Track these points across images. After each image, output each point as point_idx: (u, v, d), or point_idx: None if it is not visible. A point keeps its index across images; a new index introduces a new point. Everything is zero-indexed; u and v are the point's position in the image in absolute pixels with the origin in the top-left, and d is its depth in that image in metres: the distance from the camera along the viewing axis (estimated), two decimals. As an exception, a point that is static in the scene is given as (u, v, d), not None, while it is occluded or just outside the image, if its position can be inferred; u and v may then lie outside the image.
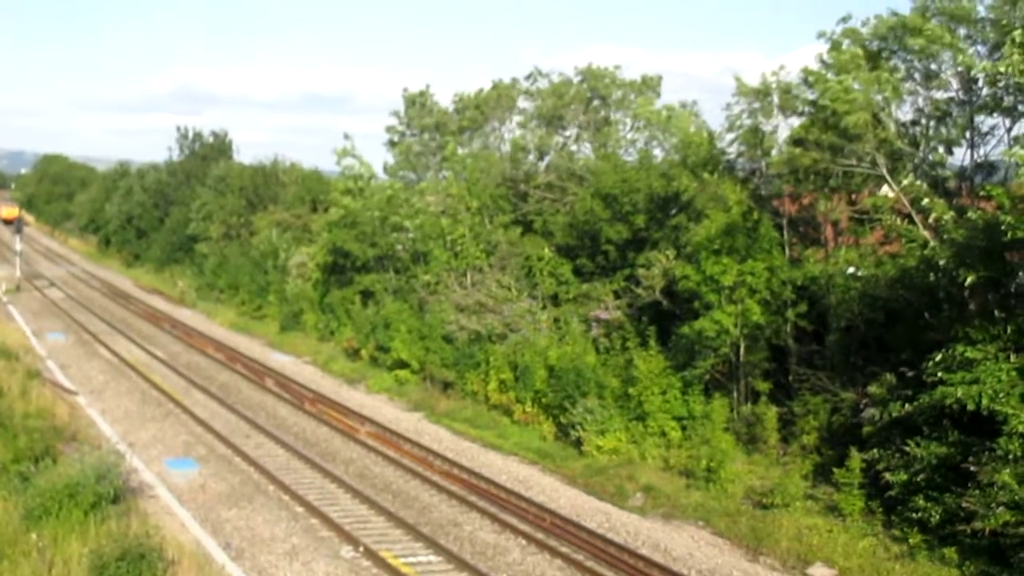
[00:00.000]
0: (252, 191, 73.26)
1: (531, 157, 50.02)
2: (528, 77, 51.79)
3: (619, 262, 39.13)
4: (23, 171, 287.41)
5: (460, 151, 51.73)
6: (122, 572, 19.38)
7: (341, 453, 33.16)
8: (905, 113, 30.03)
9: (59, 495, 22.74)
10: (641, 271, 36.27)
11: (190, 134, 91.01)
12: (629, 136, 48.47)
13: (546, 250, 42.39)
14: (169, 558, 20.83)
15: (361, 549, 23.99)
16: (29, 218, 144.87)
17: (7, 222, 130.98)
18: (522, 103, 52.26)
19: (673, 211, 37.35)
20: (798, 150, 30.26)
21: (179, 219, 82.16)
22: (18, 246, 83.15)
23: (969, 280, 23.90)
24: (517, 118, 52.67)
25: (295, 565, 23.06)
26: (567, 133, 49.40)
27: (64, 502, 22.66)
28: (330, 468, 30.89)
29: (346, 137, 56.37)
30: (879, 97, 28.27)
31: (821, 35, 30.47)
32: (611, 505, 28.35)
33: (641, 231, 38.23)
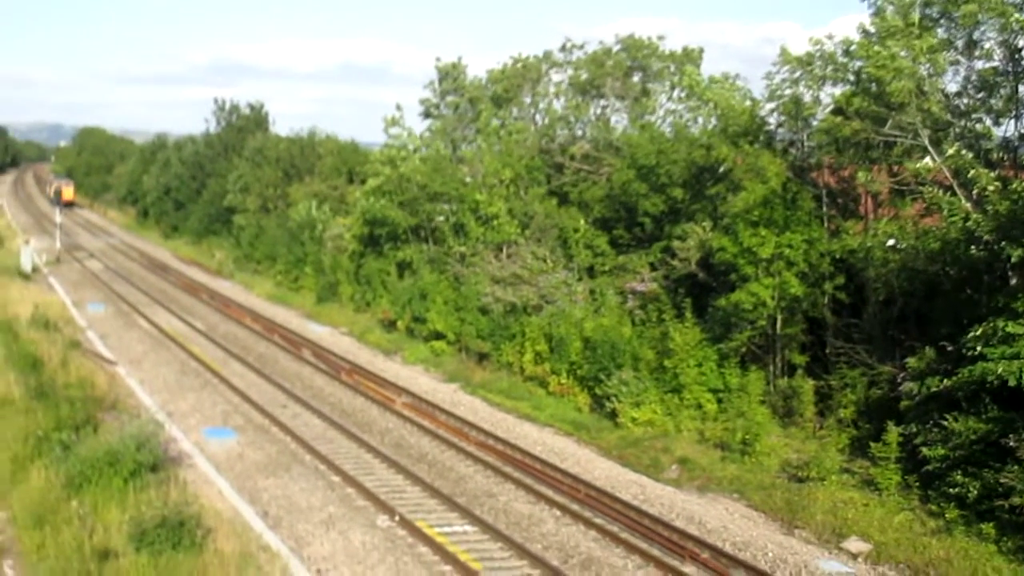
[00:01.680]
0: (288, 163, 73.46)
1: (566, 129, 49.79)
2: (562, 49, 51.58)
3: (656, 234, 38.96)
4: (62, 144, 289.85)
5: (494, 122, 51.62)
6: (161, 539, 19.58)
7: (377, 423, 33.32)
8: (949, 83, 29.61)
9: (99, 463, 22.99)
10: (677, 243, 36.11)
11: (227, 106, 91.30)
12: (668, 107, 48.18)
13: (582, 222, 42.29)
14: (207, 526, 21.04)
15: (397, 518, 24.12)
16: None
17: (69, 204, 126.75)
18: (556, 76, 52.07)
19: (710, 182, 37.12)
20: (839, 119, 29.93)
21: (216, 191, 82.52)
22: (58, 218, 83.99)
23: (1016, 256, 23.57)
24: (551, 89, 52.46)
25: (332, 534, 23.23)
26: (604, 103, 49.12)
27: (104, 470, 22.91)
28: (366, 438, 31.05)
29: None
30: (923, 67, 27.88)
31: None
32: (646, 477, 28.35)
33: (678, 203, 38.03)
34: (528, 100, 53.21)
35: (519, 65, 52.58)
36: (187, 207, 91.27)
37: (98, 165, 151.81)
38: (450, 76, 56.81)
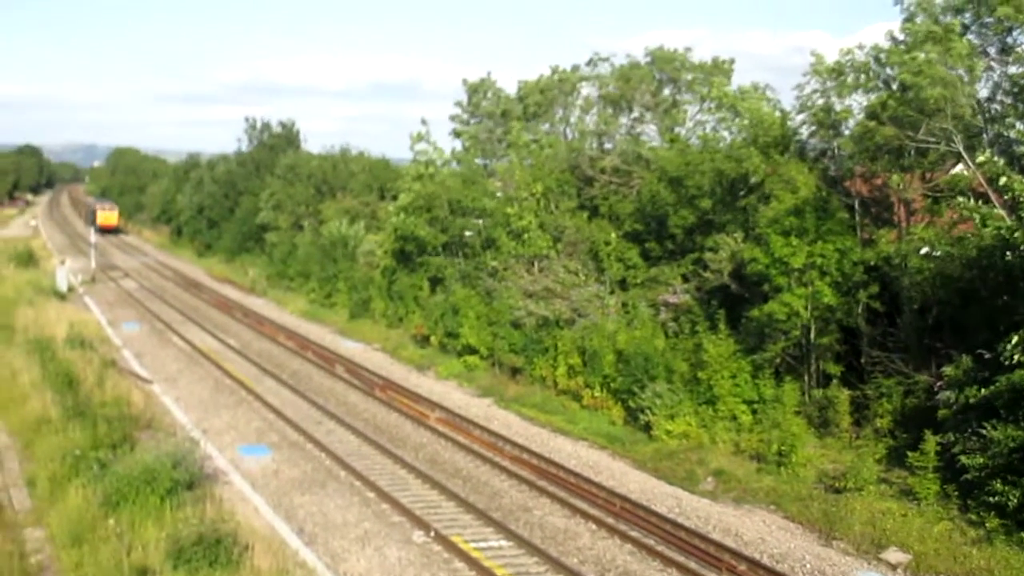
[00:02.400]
0: (320, 180, 73.86)
1: (596, 142, 49.80)
2: (589, 63, 51.68)
3: (687, 245, 38.86)
4: (96, 164, 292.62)
5: (525, 136, 51.71)
6: (198, 557, 19.66)
7: (411, 439, 33.34)
8: (981, 88, 29.44)
9: (136, 481, 23.11)
10: (708, 255, 36.00)
11: (259, 125, 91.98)
12: (698, 118, 48.11)
13: (612, 235, 42.24)
14: (244, 543, 21.10)
15: (432, 534, 24.11)
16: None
17: (105, 230, 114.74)
18: (585, 89, 52.17)
19: (742, 193, 37.01)
20: (872, 123, 29.82)
21: (249, 209, 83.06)
22: (93, 238, 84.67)
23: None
24: (579, 103, 52.57)
25: (367, 550, 23.25)
26: (634, 115, 49.09)
27: (141, 488, 23.03)
28: (401, 454, 31.08)
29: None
30: (957, 72, 27.72)
31: (898, 1, 29.98)
32: (681, 489, 28.23)
33: (708, 214, 37.92)
34: (560, 113, 53.34)
35: (555, 77, 52.70)
36: (220, 225, 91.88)
37: (132, 185, 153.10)
38: (479, 92, 57.00)
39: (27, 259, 76.88)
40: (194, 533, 20.17)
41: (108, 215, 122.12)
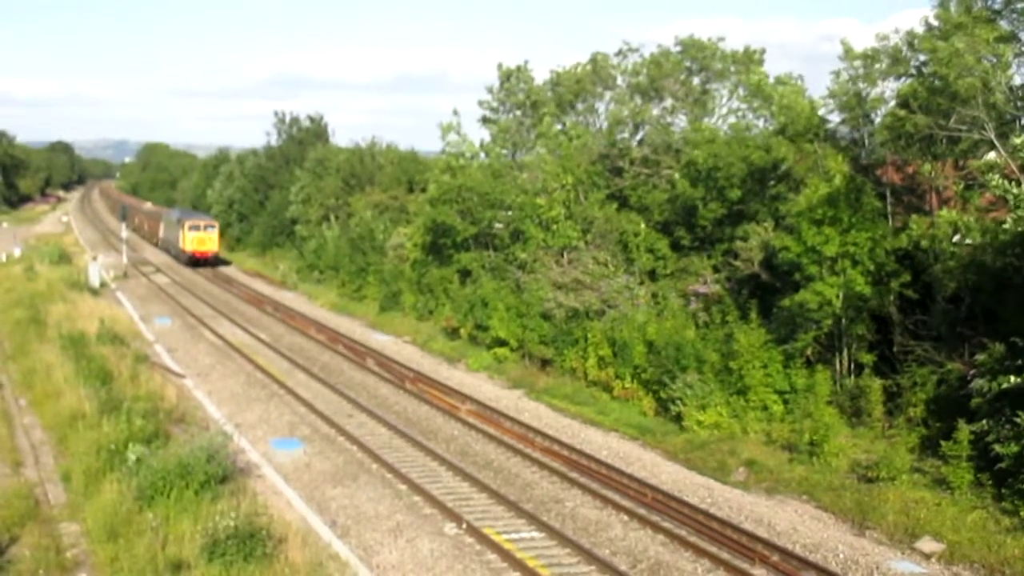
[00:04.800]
0: (349, 173, 74.04)
1: (626, 133, 49.67)
2: (618, 53, 51.53)
3: (717, 235, 38.74)
4: (127, 160, 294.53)
5: (555, 127, 51.65)
6: (233, 550, 19.75)
7: (442, 431, 33.41)
8: (1014, 75, 29.16)
9: (171, 476, 23.24)
10: (739, 244, 35.86)
11: (287, 119, 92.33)
12: (730, 107, 47.92)
13: (642, 225, 42.14)
14: (277, 536, 21.21)
15: (464, 526, 24.16)
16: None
17: (197, 261, 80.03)
18: (618, 79, 52.00)
19: (772, 182, 36.83)
20: (904, 112, 29.62)
21: (279, 203, 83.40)
22: (124, 233, 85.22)
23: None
24: (609, 93, 52.44)
25: (400, 542, 23.32)
26: (664, 104, 48.93)
27: (175, 482, 23.15)
28: (432, 446, 31.15)
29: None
30: (988, 59, 27.48)
31: None
32: (713, 480, 28.17)
33: (738, 204, 37.78)
34: (593, 103, 53.21)
35: (592, 65, 52.54)
36: (250, 219, 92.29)
37: (162, 181, 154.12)
38: (514, 78, 56.80)
39: (59, 255, 77.44)
40: (228, 527, 20.26)
41: (203, 237, 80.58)
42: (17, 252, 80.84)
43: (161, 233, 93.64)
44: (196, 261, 79.71)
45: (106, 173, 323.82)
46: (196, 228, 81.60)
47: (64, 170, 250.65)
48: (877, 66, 31.42)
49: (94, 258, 71.44)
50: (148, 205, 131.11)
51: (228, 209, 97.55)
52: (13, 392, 35.57)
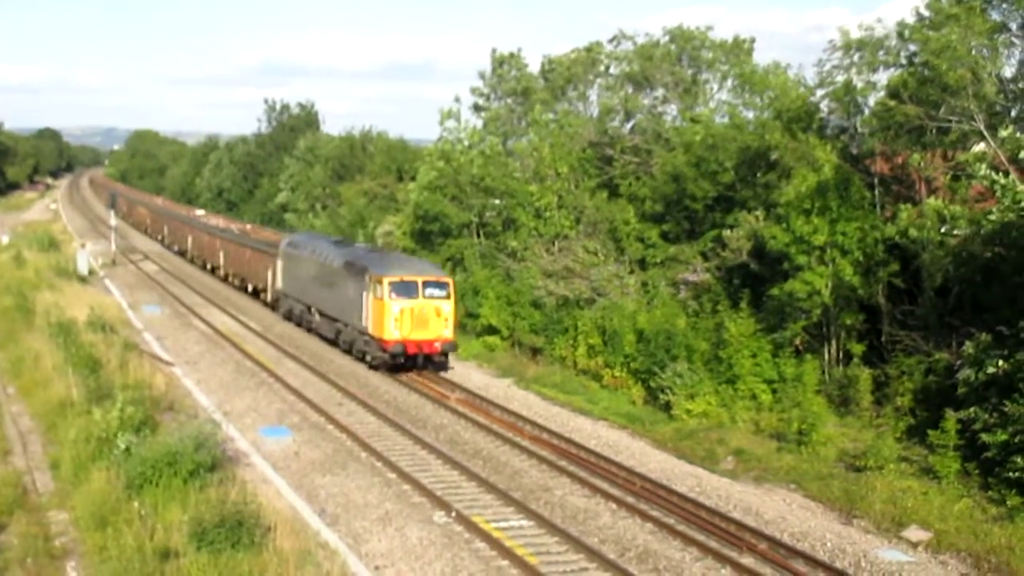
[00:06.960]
0: (339, 161, 73.95)
1: (617, 121, 49.67)
2: (612, 40, 51.50)
3: (706, 224, 38.77)
4: (116, 147, 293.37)
5: (547, 115, 51.63)
6: (221, 538, 19.74)
7: (432, 420, 33.42)
8: (1004, 66, 29.23)
9: (159, 464, 23.19)
10: (727, 233, 35.90)
11: (277, 106, 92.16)
12: (720, 97, 47.95)
13: (632, 214, 42.17)
14: (266, 524, 21.20)
15: (453, 514, 24.19)
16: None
17: (413, 358, 37.87)
18: (610, 68, 52.04)
19: (762, 169, 36.86)
20: (893, 102, 29.67)
21: (268, 190, 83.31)
22: (113, 221, 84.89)
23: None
24: (600, 81, 52.45)
25: (389, 530, 23.34)
26: (655, 94, 48.93)
27: (164, 471, 23.11)
28: (421, 435, 31.15)
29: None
30: (978, 50, 27.53)
31: None
32: (702, 469, 28.25)
33: (728, 189, 37.81)
34: (584, 90, 53.19)
35: (587, 52, 52.49)
36: (240, 207, 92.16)
37: (151, 168, 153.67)
38: (507, 64, 56.72)
39: (48, 243, 77.14)
40: (217, 515, 20.24)
41: (425, 310, 37.60)
42: (5, 240, 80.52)
43: (280, 281, 51.01)
44: (409, 359, 38.73)
45: (95, 160, 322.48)
46: (409, 291, 38.05)
47: (52, 157, 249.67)
48: (864, 55, 31.42)
49: (82, 246, 71.19)
50: (202, 215, 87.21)
51: (217, 197, 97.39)
52: (1, 380, 35.47)
